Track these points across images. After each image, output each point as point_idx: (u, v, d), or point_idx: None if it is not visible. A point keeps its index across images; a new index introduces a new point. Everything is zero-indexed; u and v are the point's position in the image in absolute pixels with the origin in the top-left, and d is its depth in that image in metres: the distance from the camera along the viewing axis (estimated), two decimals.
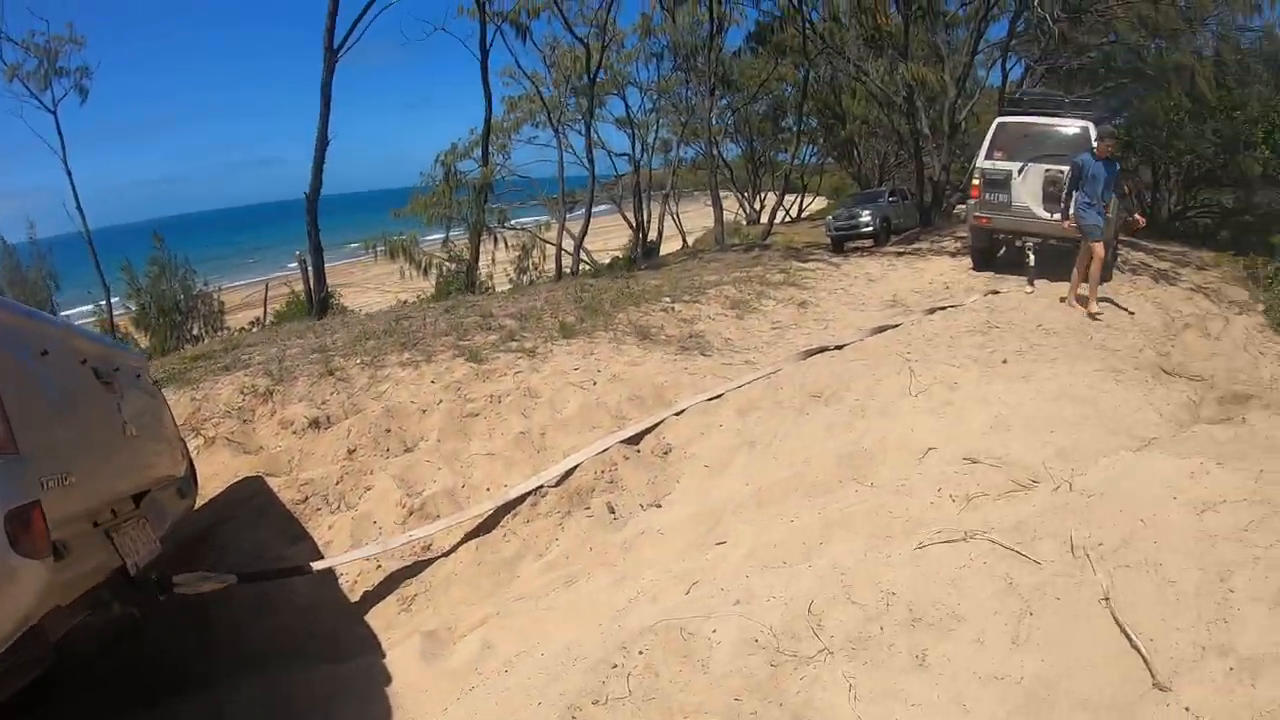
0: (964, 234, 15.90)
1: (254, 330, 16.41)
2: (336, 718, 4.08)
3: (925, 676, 3.12)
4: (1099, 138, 9.89)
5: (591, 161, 22.20)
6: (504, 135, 26.65)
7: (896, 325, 9.51)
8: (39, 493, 2.79)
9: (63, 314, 13.39)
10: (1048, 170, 12.36)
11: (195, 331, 19.26)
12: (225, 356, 8.13)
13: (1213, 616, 3.11)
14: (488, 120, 19.65)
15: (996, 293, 11.58)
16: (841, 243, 21.81)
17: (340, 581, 5.16)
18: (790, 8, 22.84)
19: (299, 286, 18.34)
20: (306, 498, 5.80)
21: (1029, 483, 4.59)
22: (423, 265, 19.85)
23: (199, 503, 5.41)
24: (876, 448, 5.50)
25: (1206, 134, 21.70)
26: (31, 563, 2.64)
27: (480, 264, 19.83)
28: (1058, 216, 11.85)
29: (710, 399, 6.97)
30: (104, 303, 19.20)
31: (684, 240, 33.08)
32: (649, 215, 27.71)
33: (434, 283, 20.49)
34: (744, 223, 37.65)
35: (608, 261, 26.40)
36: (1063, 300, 10.61)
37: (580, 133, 23.76)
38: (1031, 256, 12.33)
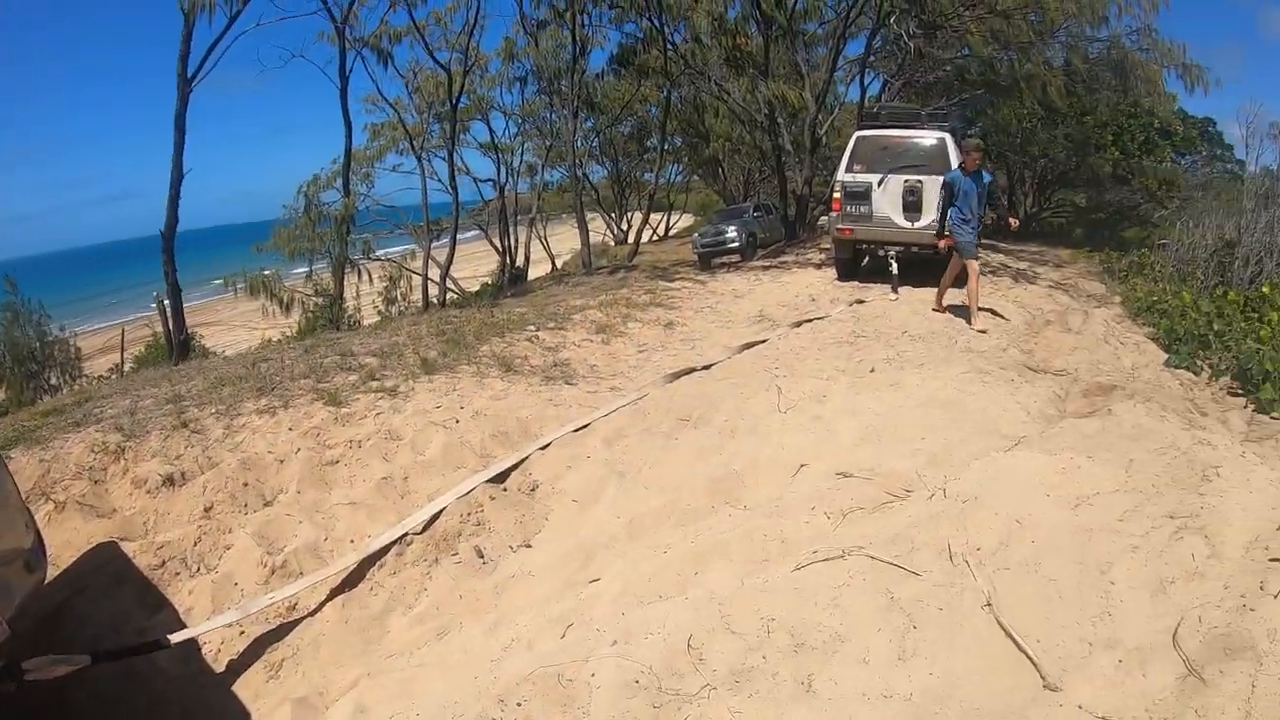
0: (828, 246, 16.19)
1: (111, 378, 15.58)
2: None
3: (813, 704, 3.07)
4: (965, 151, 10.02)
5: (455, 188, 21.96)
6: (367, 164, 26.35)
7: (763, 341, 9.53)
8: None
9: None
10: (906, 181, 12.73)
11: (53, 381, 18.25)
12: (77, 410, 7.56)
13: (1097, 611, 3.17)
14: (348, 149, 19.32)
15: (862, 302, 11.74)
16: (708, 259, 22.04)
17: (204, 651, 4.78)
18: (653, 30, 23.06)
19: (160, 328, 17.53)
20: (164, 562, 5.38)
21: (903, 493, 4.61)
22: (286, 302, 19.25)
23: (51, 574, 4.97)
24: (748, 469, 5.44)
25: (1059, 139, 22.90)
26: None
27: (347, 297, 19.40)
28: (918, 225, 12.18)
29: (576, 430, 6.80)
30: None
31: (553, 263, 32.90)
32: (516, 240, 27.51)
33: (298, 319, 19.88)
34: (612, 243, 37.73)
35: (476, 289, 26.16)
36: (935, 311, 10.75)
37: (444, 159, 23.53)
38: (894, 265, 12.64)
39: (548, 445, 6.53)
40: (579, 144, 27.42)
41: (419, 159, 23.24)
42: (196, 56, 14.14)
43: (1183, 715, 2.68)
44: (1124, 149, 23.02)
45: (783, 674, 3.21)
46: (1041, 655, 3.03)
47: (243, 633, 4.86)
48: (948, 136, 12.97)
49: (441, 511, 5.58)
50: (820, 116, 23.16)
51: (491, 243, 28.75)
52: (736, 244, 22.02)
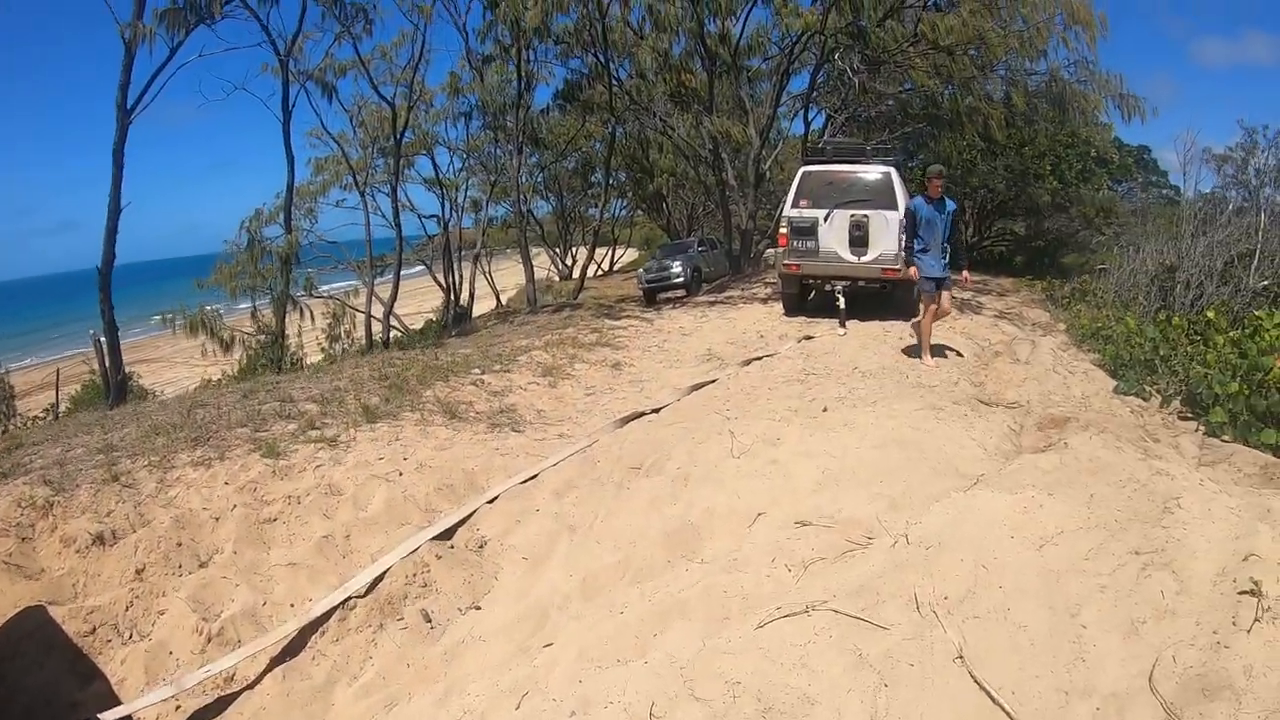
0: (774, 280, 16.28)
1: (47, 421, 15.09)
2: None
3: None
4: (929, 177, 9.81)
5: (398, 224, 21.82)
6: (311, 199, 26.32)
7: (713, 381, 9.42)
8: None
9: None
10: (853, 216, 12.81)
11: None
12: (6, 460, 7.16)
13: (1070, 657, 3.11)
14: (290, 184, 19.19)
15: (810, 338, 11.72)
16: (653, 295, 22.09)
17: None
18: (598, 66, 23.20)
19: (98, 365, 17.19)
20: (95, 628, 5.08)
21: (865, 540, 4.49)
22: (226, 341, 18.92)
23: None
24: (703, 520, 5.29)
25: (999, 169, 23.34)
26: None
27: (290, 334, 19.13)
28: (865, 260, 12.21)
29: (524, 481, 6.58)
30: None
31: (497, 299, 32.86)
32: (460, 277, 27.37)
33: (240, 358, 19.56)
34: (556, 278, 37.74)
35: (420, 326, 25.93)
36: (928, 360, 10.09)
37: (388, 194, 23.44)
38: (842, 300, 12.68)
39: (495, 498, 6.31)
40: (524, 179, 27.47)
41: (362, 194, 23.14)
42: (137, 87, 14.03)
43: None
44: (1062, 178, 23.50)
45: None
46: (1018, 708, 2.95)
47: (179, 707, 4.60)
48: (893, 171, 13.17)
49: (386, 572, 5.34)
50: (764, 151, 23.42)
51: (436, 279, 28.57)
52: (682, 279, 22.08)
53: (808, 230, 13.06)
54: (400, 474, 6.73)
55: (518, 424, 8.40)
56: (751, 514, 5.24)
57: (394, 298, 21.06)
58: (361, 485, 6.48)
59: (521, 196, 26.39)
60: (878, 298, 13.35)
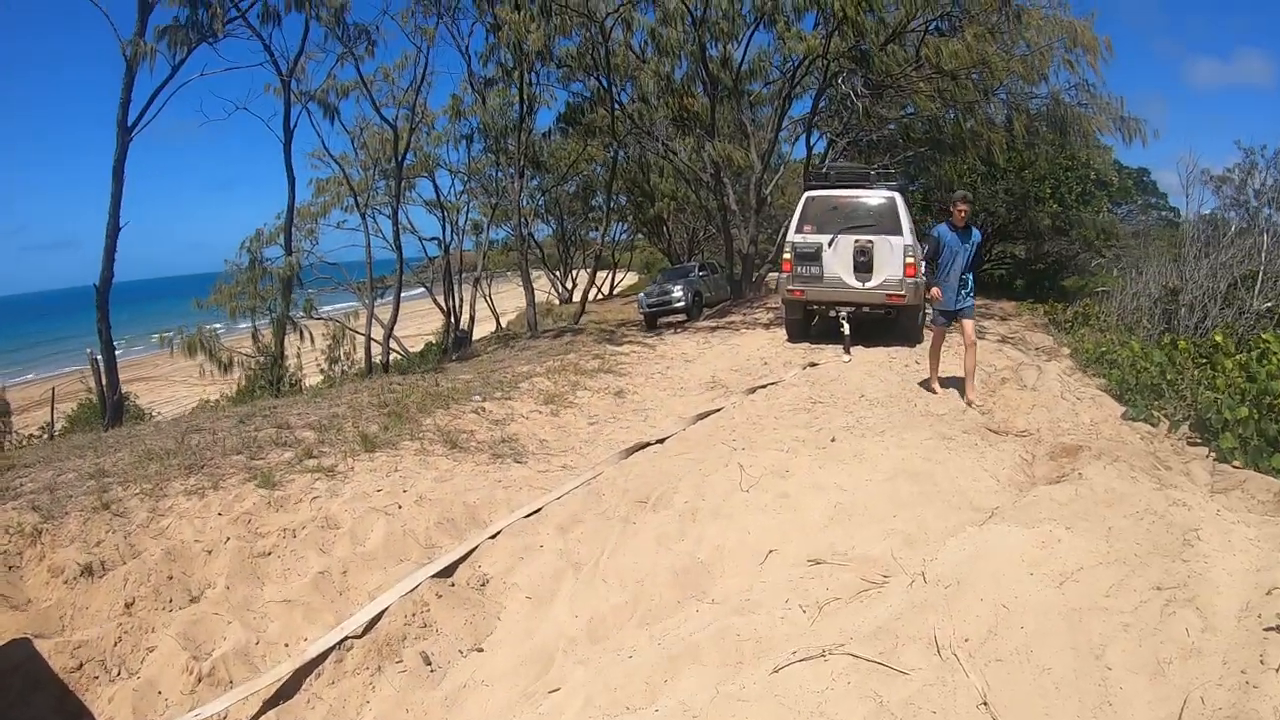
0: (775, 304, 16.22)
1: (42, 440, 14.95)
2: None
3: None
4: (954, 203, 9.25)
5: (399, 246, 21.78)
6: (312, 220, 26.39)
7: (718, 410, 9.29)
8: None
9: None
10: (857, 241, 12.81)
11: None
12: None
13: (1096, 700, 3.01)
14: (291, 205, 19.25)
15: (815, 364, 11.67)
16: (654, 319, 22.14)
17: None
18: (600, 89, 23.30)
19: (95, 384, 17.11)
20: (82, 664, 4.88)
21: (880, 579, 4.37)
22: (224, 362, 18.84)
23: None
24: (713, 557, 5.16)
25: (999, 193, 23.32)
26: None
27: (289, 356, 19.06)
28: (869, 285, 12.18)
29: (528, 515, 6.41)
30: None
31: (498, 322, 32.82)
32: (461, 299, 27.33)
33: (238, 379, 19.45)
34: (557, 302, 37.76)
35: (420, 349, 25.86)
36: (969, 404, 9.35)
37: (389, 216, 23.45)
38: (846, 325, 12.67)
39: (497, 534, 6.13)
40: (525, 202, 27.51)
41: (363, 216, 23.14)
42: (138, 105, 14.05)
43: None
44: (1062, 201, 23.61)
45: None
46: None
47: None
48: (897, 195, 13.20)
49: (384, 611, 5.15)
50: (765, 176, 23.47)
51: (436, 301, 28.54)
52: (683, 304, 22.12)
53: (812, 256, 13.04)
54: (400, 507, 6.55)
55: (520, 454, 8.25)
56: (762, 551, 5.11)
57: (394, 320, 21.02)
58: (359, 518, 6.30)
59: (522, 219, 26.44)
60: (882, 324, 13.31)
